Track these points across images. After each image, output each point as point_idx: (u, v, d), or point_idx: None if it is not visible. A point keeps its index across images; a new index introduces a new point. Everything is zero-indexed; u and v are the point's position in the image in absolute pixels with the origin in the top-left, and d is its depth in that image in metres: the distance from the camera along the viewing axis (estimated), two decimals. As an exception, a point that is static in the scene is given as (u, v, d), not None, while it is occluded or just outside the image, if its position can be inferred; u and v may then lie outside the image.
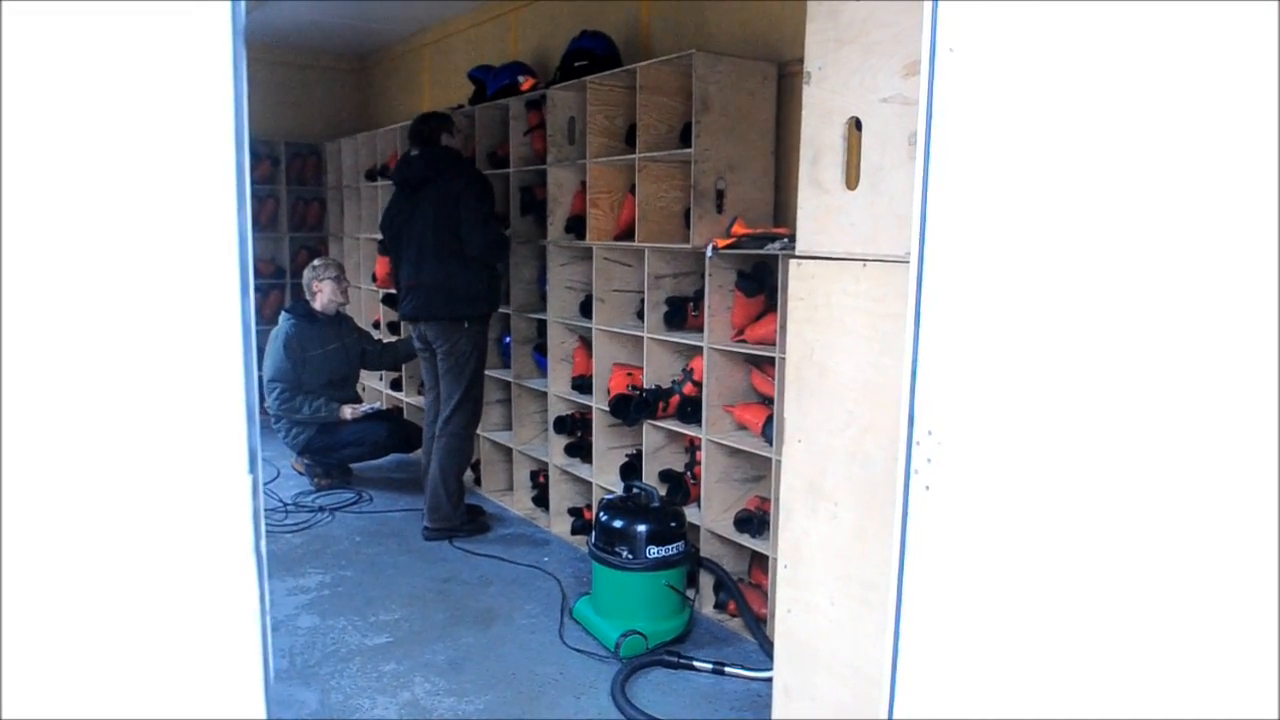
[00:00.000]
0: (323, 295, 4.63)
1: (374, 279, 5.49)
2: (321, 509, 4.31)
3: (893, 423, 1.68)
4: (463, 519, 3.93)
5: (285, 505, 4.34)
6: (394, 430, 4.63)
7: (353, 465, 4.77)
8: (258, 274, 6.24)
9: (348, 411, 4.52)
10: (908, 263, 1.33)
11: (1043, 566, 1.14)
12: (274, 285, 6.37)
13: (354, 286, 5.70)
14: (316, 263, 4.73)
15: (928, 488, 1.29)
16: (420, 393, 4.52)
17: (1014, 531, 1.17)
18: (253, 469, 0.79)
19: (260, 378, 4.59)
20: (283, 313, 4.69)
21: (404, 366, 5.24)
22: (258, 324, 0.92)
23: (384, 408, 5.17)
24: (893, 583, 1.33)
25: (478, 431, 4.32)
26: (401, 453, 4.79)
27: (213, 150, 0.86)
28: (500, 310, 4.09)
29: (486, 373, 4.23)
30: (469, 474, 4.53)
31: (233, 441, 0.79)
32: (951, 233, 1.25)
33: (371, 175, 5.59)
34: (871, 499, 1.80)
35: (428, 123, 3.80)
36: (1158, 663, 1.03)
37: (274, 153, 6.36)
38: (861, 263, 1.81)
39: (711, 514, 3.16)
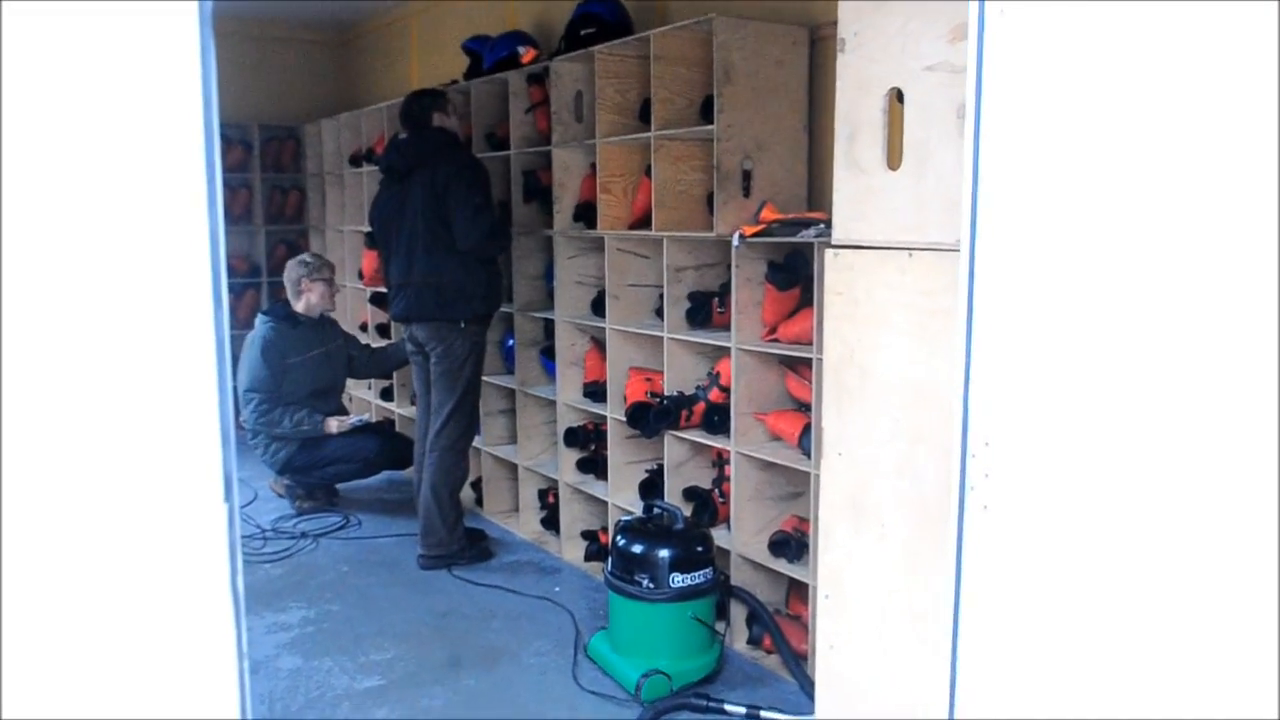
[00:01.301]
0: (310, 296, 4.65)
1: (360, 276, 5.53)
2: (304, 535, 4.35)
3: (945, 432, 1.68)
4: (462, 544, 3.95)
5: (263, 531, 4.38)
6: (385, 445, 4.66)
7: (339, 485, 4.81)
8: (231, 272, 6.30)
9: (333, 424, 4.56)
10: (958, 251, 1.33)
11: (1118, 598, 1.13)
12: (249, 285, 6.44)
13: (338, 286, 5.74)
14: (307, 259, 4.74)
15: (986, 507, 1.29)
16: (413, 403, 4.55)
17: (1085, 557, 1.17)
18: (228, 497, 0.80)
19: (235, 389, 4.63)
20: (260, 315, 4.73)
21: (396, 374, 5.27)
22: (232, 328, 0.94)
23: (373, 420, 5.20)
24: (948, 615, 1.33)
25: (476, 446, 4.34)
26: (394, 470, 4.82)
27: (178, 140, 0.87)
28: (501, 309, 4.11)
29: (487, 379, 4.25)
30: (469, 494, 4.54)
31: (205, 466, 0.80)
32: (1007, 216, 1.25)
33: (356, 160, 5.64)
34: (923, 519, 1.80)
35: (418, 102, 3.84)
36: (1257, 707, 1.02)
37: (246, 137, 6.42)
38: (906, 252, 1.80)
39: (743, 536, 3.16)
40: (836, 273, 1.94)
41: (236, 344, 4.77)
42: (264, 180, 6.52)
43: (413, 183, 3.74)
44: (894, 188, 1.83)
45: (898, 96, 1.82)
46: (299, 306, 4.66)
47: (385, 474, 4.87)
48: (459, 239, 3.66)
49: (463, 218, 3.63)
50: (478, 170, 3.75)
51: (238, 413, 4.50)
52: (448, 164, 3.68)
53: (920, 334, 1.79)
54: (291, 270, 4.68)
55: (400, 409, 5.33)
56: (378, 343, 5.34)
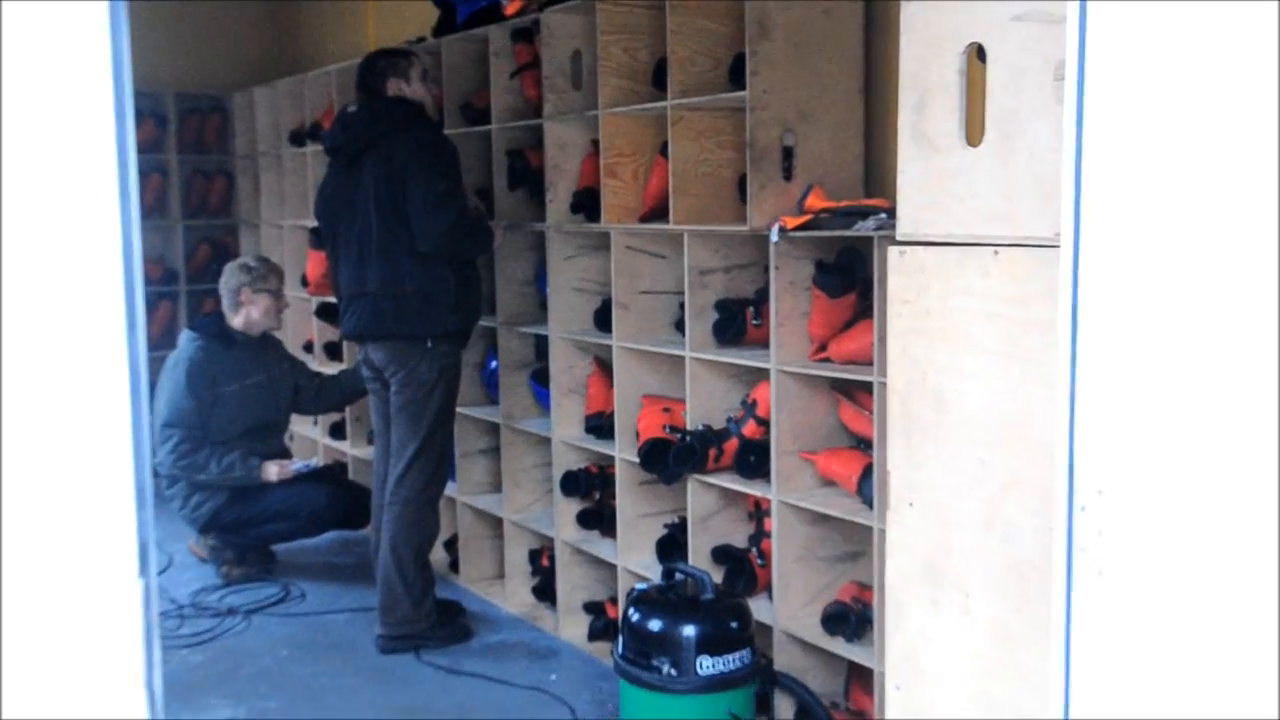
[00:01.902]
0: (252, 311, 4.65)
1: (304, 283, 5.55)
2: (232, 611, 4.34)
3: (1045, 476, 1.67)
4: (432, 622, 3.94)
5: (180, 608, 4.37)
6: (335, 497, 4.67)
7: (277, 546, 4.81)
8: (144, 279, 6.34)
9: (273, 471, 4.56)
10: (1057, 247, 1.32)
11: (1269, 685, 1.12)
12: (164, 294, 6.46)
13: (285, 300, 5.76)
14: (250, 264, 4.74)
15: (1100, 572, 1.28)
16: (371, 442, 4.55)
17: (1227, 637, 1.16)
18: (144, 570, 0.80)
19: (151, 424, 4.65)
20: (186, 331, 4.74)
21: (350, 407, 5.28)
22: (147, 350, 0.93)
23: (322, 465, 5.21)
24: (1057, 710, 1.32)
25: (449, 495, 4.34)
26: (348, 529, 4.82)
27: (81, 114, 0.87)
28: (481, 324, 4.12)
29: (463, 412, 4.25)
30: (441, 556, 4.54)
31: (116, 532, 0.80)
32: (1119, 203, 1.24)
33: (298, 138, 5.67)
34: (1018, 587, 1.79)
35: (373, 65, 3.86)
36: None
37: (160, 108, 6.45)
38: (991, 249, 1.80)
39: (789, 609, 3.15)
40: (904, 275, 1.93)
41: (153, 369, 4.79)
42: (182, 163, 6.55)
43: (365, 166, 3.75)
44: (975, 168, 1.83)
45: (978, 54, 1.82)
46: (236, 322, 4.67)
47: (335, 532, 4.87)
48: (418, 236, 3.65)
49: (420, 209, 3.62)
50: (441, 148, 3.75)
51: (152, 453, 4.51)
52: (405, 142, 3.69)
53: (1011, 352, 1.78)
54: (230, 277, 4.69)
55: (355, 449, 5.33)
56: (327, 368, 5.34)
